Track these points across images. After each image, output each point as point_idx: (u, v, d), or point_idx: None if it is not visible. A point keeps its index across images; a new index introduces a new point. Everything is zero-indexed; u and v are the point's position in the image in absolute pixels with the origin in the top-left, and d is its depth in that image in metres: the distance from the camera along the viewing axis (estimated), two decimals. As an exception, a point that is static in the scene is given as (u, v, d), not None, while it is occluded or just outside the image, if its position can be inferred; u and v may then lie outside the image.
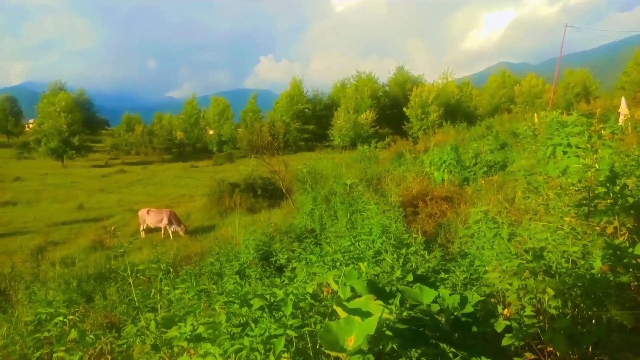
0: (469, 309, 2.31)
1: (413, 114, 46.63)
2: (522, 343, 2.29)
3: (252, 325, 2.39)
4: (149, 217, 16.74)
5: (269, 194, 19.74)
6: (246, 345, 2.25)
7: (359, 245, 4.78)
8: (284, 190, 17.25)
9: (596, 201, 3.19)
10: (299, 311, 2.66)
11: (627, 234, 2.99)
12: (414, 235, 6.29)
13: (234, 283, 4.21)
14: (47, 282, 10.17)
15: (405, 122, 47.47)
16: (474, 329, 2.29)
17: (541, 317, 2.40)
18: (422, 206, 10.11)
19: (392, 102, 54.79)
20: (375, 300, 2.14)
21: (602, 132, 4.88)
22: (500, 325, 2.29)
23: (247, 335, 2.33)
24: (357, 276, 2.65)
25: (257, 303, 2.54)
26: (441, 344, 2.11)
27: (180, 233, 16.28)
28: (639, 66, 43.83)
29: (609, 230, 3.04)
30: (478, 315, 2.47)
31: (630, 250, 2.49)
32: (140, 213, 17.16)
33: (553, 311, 2.40)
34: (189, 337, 2.51)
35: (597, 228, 3.09)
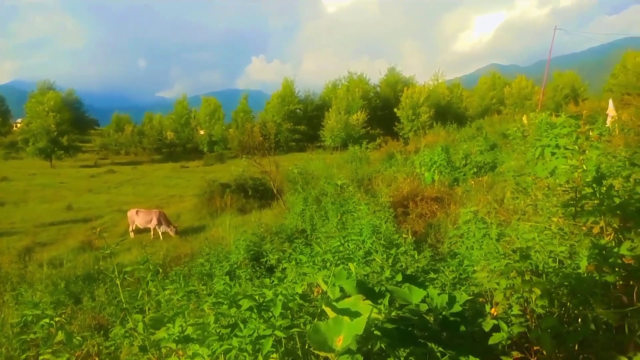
0: (457, 308, 2.32)
1: (404, 115, 46.81)
2: (509, 342, 2.31)
3: (241, 325, 2.39)
4: (138, 218, 16.62)
5: (259, 194, 19.69)
6: (235, 346, 2.25)
7: (348, 245, 4.79)
8: (275, 191, 17.22)
9: (583, 202, 3.22)
10: (288, 312, 2.65)
11: (612, 234, 3.03)
12: (404, 235, 6.32)
13: (223, 284, 4.19)
14: (34, 284, 10.04)
15: (396, 123, 47.63)
16: (462, 328, 2.31)
17: (528, 316, 2.42)
18: (413, 207, 10.15)
19: (384, 103, 54.94)
20: (364, 300, 2.14)
21: (590, 134, 4.95)
22: (487, 324, 2.31)
23: (235, 335, 2.33)
24: (347, 276, 2.65)
25: (246, 304, 2.53)
26: (429, 344, 2.12)
27: (171, 234, 16.18)
28: (626, 69, 44.39)
29: (596, 230, 3.07)
30: (466, 314, 2.49)
31: (615, 250, 2.52)
32: (129, 214, 17.03)
33: (540, 310, 2.42)
34: (177, 338, 2.50)
35: (584, 228, 3.12)
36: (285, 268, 4.79)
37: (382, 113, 53.11)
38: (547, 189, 4.65)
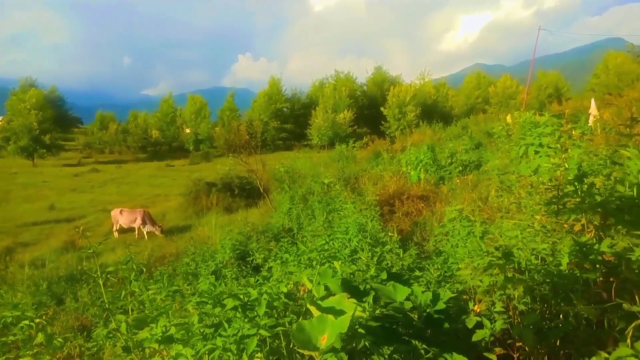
0: (441, 305, 2.34)
1: (390, 113, 46.97)
2: (492, 339, 2.33)
3: (225, 325, 2.37)
4: (121, 217, 16.43)
5: (246, 193, 19.60)
6: (219, 346, 2.23)
7: (334, 244, 4.79)
8: (261, 190, 17.17)
9: (565, 199, 3.26)
10: (274, 311, 2.64)
11: (593, 231, 3.07)
12: (390, 233, 6.35)
13: (208, 283, 4.16)
14: (15, 285, 9.87)
15: (382, 122, 47.76)
16: (446, 325, 2.32)
17: (510, 313, 2.45)
18: (399, 205, 10.21)
19: (370, 101, 55.05)
20: (349, 298, 2.14)
21: (573, 133, 5.01)
22: (471, 321, 2.32)
23: (220, 335, 2.31)
24: (332, 275, 2.65)
25: (230, 303, 2.51)
26: (413, 341, 2.13)
27: (156, 233, 16.03)
28: (607, 69, 45.15)
29: (577, 227, 3.11)
30: (450, 312, 2.50)
31: (596, 247, 2.56)
32: (112, 213, 16.82)
33: (522, 307, 2.45)
34: (159, 338, 2.47)
35: (566, 226, 3.16)
36: (271, 267, 4.78)
37: (369, 112, 53.21)
38: (530, 187, 4.71)
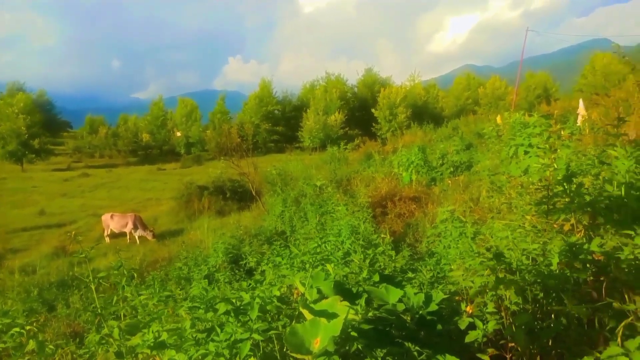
0: (433, 307, 2.34)
1: (381, 115, 47.09)
2: (485, 339, 2.34)
3: (218, 330, 2.36)
4: (112, 222, 16.29)
5: (238, 196, 19.53)
6: (211, 351, 2.22)
7: (326, 246, 4.79)
8: (253, 193, 17.13)
9: (555, 199, 3.29)
10: (267, 314, 2.63)
11: (583, 231, 3.10)
12: (382, 235, 6.36)
13: (201, 288, 4.14)
14: (5, 292, 9.75)
15: (374, 124, 47.87)
16: (439, 326, 2.33)
17: (502, 314, 2.46)
18: (391, 206, 10.24)
19: (361, 103, 55.16)
20: (341, 301, 2.14)
21: (562, 133, 5.06)
22: (463, 322, 2.33)
23: (212, 340, 2.30)
24: (325, 277, 2.65)
25: (222, 307, 2.50)
26: (406, 343, 2.14)
27: (148, 237, 15.92)
28: (594, 70, 45.67)
29: (567, 227, 3.14)
30: (443, 313, 2.51)
31: (586, 246, 2.58)
32: (103, 218, 16.68)
33: (514, 307, 2.46)
34: (152, 344, 2.45)
35: (556, 226, 3.19)
36: (264, 270, 4.77)
37: (360, 114, 53.32)
38: (520, 187, 4.75)
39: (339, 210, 8.51)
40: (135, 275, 4.29)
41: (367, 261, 4.05)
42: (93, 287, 3.27)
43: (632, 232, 2.55)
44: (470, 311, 2.41)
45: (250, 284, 3.51)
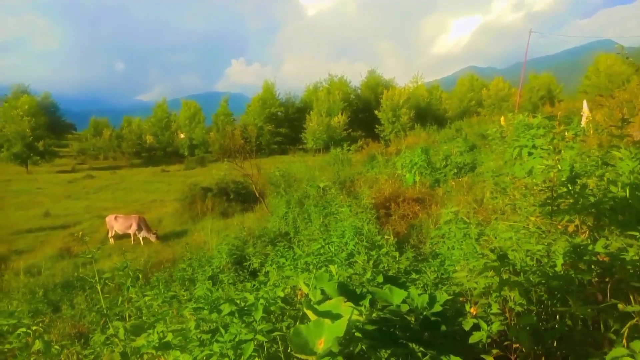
0: (437, 308, 2.34)
1: (385, 117, 47.08)
2: (489, 340, 2.34)
3: (222, 330, 2.37)
4: (116, 224, 16.36)
5: (242, 198, 19.58)
6: (216, 351, 2.23)
7: (330, 247, 4.79)
8: (257, 194, 17.15)
9: (559, 201, 3.28)
10: (271, 315, 2.64)
11: (587, 232, 3.09)
12: (386, 236, 6.36)
13: (205, 289, 4.16)
14: (10, 293, 9.80)
15: (377, 125, 47.86)
16: (443, 328, 2.33)
17: (507, 315, 2.46)
18: (395, 208, 10.23)
19: (364, 105, 55.18)
20: (345, 302, 2.15)
21: (566, 134, 5.06)
22: (467, 323, 2.33)
23: (217, 341, 2.31)
24: (329, 279, 2.65)
25: (227, 308, 2.51)
26: (411, 344, 2.14)
27: (152, 239, 15.96)
28: (598, 71, 45.52)
29: (571, 228, 3.14)
30: (447, 314, 2.51)
31: (590, 247, 2.58)
32: (107, 219, 16.75)
33: (518, 308, 2.46)
34: (157, 345, 2.46)
35: (560, 227, 3.18)
36: (268, 272, 4.78)
37: (363, 115, 53.33)
38: (524, 188, 4.74)
39: (342, 212, 8.51)
40: (140, 276, 4.30)
41: (371, 262, 4.05)
42: (99, 288, 3.28)
43: (636, 233, 2.55)
44: (475, 312, 2.41)
45: (254, 285, 3.52)
